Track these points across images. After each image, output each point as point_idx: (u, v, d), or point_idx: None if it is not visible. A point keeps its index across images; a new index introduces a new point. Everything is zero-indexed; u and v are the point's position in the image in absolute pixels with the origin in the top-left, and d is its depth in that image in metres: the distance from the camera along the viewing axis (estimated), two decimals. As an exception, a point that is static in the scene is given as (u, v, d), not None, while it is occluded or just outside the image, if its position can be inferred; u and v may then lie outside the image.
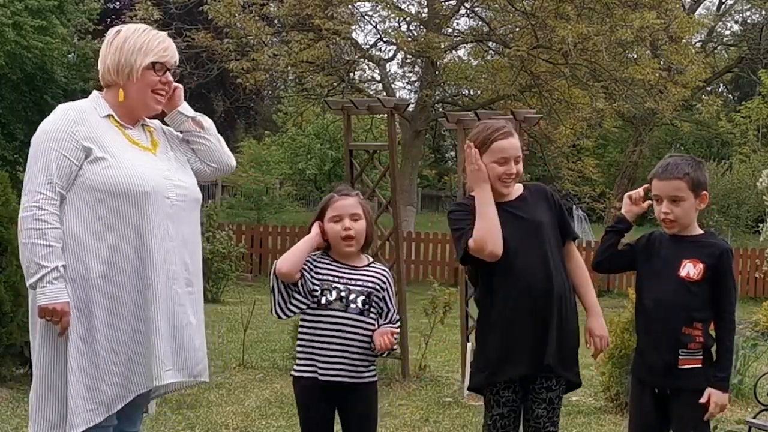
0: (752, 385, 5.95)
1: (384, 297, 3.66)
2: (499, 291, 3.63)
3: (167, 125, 3.74)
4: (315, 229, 3.65)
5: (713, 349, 3.60)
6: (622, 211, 3.77)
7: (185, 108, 3.69)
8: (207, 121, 3.72)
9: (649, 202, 3.71)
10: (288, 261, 3.57)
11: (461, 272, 7.22)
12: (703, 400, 3.47)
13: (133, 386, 3.38)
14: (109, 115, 3.48)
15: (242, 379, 7.23)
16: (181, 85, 3.71)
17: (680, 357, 3.50)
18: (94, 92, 3.57)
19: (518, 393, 3.67)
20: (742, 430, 5.74)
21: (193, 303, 3.53)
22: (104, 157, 3.36)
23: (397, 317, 3.73)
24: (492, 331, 3.68)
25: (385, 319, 3.66)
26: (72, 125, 3.37)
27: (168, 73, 3.54)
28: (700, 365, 3.52)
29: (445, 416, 6.20)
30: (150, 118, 3.66)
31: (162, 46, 3.51)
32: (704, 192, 3.58)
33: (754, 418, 5.59)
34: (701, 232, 3.64)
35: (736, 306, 3.58)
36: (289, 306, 3.60)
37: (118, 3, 25.55)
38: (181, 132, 3.70)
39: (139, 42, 3.48)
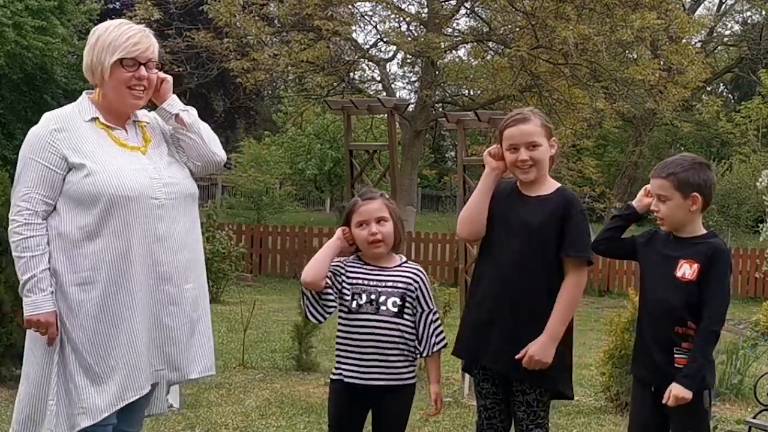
0: (752, 385, 5.96)
1: (418, 296, 3.61)
2: (476, 274, 3.77)
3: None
4: (337, 233, 3.62)
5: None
6: (634, 201, 3.79)
7: (169, 104, 3.59)
8: (191, 117, 3.61)
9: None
10: (312, 270, 3.55)
11: (461, 272, 7.23)
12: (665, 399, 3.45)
13: (126, 393, 3.36)
14: (94, 119, 3.44)
15: (242, 379, 7.22)
16: (169, 77, 3.61)
17: (675, 356, 3.50)
18: (83, 94, 3.53)
19: (499, 386, 3.68)
20: (742, 430, 5.74)
21: (193, 299, 3.52)
22: (85, 165, 3.32)
23: (436, 317, 3.66)
24: (467, 309, 3.85)
25: (421, 320, 3.60)
26: (52, 135, 3.35)
27: (143, 68, 3.43)
28: None
29: (445, 416, 6.19)
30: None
31: (131, 41, 3.41)
32: (695, 194, 3.54)
33: (754, 418, 5.59)
34: (704, 232, 3.63)
35: (726, 309, 3.51)
36: (320, 311, 3.58)
37: (118, 3, 25.52)
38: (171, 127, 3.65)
39: (108, 39, 3.41)
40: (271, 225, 19.44)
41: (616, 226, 3.77)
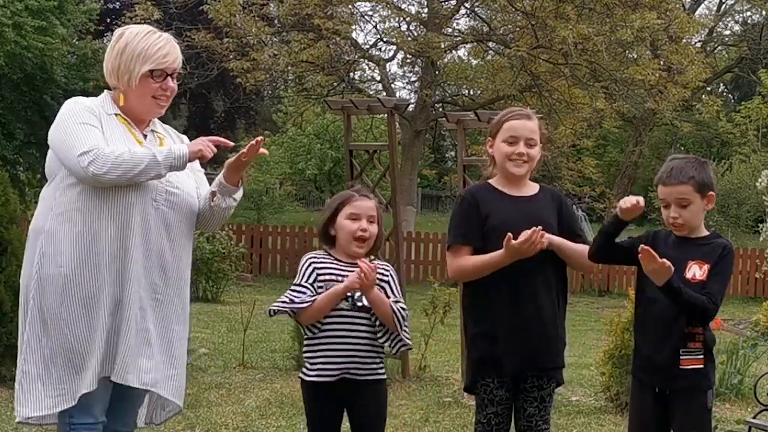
0: (752, 385, 5.96)
1: (385, 288, 3.60)
2: (489, 282, 3.64)
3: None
4: (358, 275, 3.44)
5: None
6: (618, 213, 3.66)
7: (232, 192, 3.55)
8: (226, 202, 3.56)
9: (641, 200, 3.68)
10: (312, 318, 3.52)
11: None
12: None
13: (90, 380, 3.33)
14: (116, 114, 3.48)
15: (242, 379, 7.22)
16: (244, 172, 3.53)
17: (681, 357, 3.50)
18: (104, 92, 3.55)
19: (510, 391, 3.68)
20: (742, 430, 5.74)
21: (155, 310, 3.43)
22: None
23: (403, 305, 3.63)
24: (481, 323, 3.70)
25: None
26: (86, 106, 3.40)
27: (169, 79, 3.47)
28: (701, 365, 3.52)
29: (445, 416, 6.20)
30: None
31: (161, 52, 3.44)
32: (711, 192, 3.58)
33: (754, 418, 5.59)
34: (708, 233, 3.65)
35: (722, 299, 3.54)
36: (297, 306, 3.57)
37: (118, 3, 25.53)
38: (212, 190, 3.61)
39: (139, 48, 3.42)
40: (271, 225, 19.44)
41: (607, 238, 3.68)
